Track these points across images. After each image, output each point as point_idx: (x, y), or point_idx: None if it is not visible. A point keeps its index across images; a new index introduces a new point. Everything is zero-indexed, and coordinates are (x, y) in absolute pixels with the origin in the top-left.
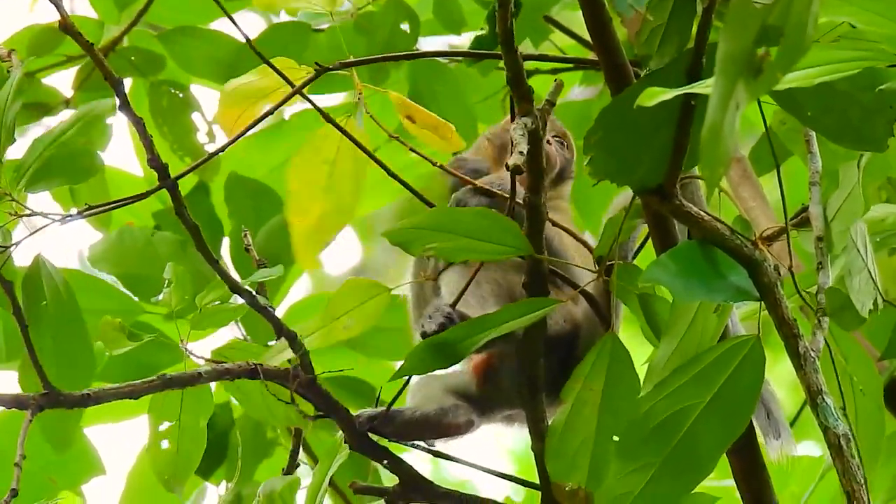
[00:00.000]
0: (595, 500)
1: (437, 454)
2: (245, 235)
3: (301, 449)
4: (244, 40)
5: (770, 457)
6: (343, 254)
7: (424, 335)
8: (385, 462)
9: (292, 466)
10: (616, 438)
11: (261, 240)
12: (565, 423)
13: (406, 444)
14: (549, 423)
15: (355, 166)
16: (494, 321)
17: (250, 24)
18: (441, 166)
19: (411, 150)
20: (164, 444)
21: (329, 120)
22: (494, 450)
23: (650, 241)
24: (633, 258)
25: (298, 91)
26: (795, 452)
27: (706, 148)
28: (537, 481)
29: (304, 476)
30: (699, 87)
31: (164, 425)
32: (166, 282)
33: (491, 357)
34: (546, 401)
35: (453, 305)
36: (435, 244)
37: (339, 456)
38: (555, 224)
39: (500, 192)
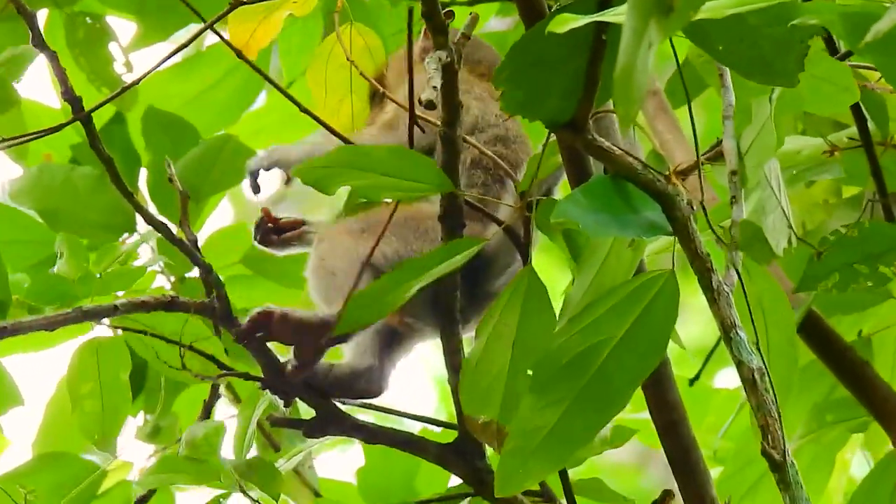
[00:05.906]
0: (508, 434)
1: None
2: (168, 166)
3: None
4: None
5: None
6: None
7: None
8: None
9: (206, 415)
10: (529, 373)
11: (179, 172)
12: (479, 357)
13: None
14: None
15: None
16: (419, 268)
17: None
18: None
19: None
20: None
21: (241, 56)
22: (419, 375)
23: None
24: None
25: (209, 27)
26: None
27: (619, 87)
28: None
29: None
30: (611, 16)
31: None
32: (59, 253)
33: None
34: None
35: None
36: (350, 182)
37: (262, 400)
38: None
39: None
